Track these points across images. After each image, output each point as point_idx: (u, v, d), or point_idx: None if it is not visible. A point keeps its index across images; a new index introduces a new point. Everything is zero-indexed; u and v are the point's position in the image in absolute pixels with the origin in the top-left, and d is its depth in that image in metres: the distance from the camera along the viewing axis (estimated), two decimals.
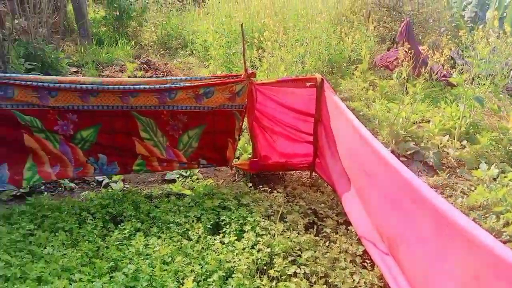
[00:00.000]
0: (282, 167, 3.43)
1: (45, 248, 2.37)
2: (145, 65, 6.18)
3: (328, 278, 2.29)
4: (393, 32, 7.47)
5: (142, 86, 2.74)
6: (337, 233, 2.68)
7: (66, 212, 2.72)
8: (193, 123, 3.01)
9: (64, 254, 2.31)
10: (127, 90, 2.71)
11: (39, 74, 4.87)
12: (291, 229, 2.65)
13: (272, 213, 2.81)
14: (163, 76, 6.16)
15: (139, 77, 5.72)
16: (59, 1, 6.39)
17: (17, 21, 5.05)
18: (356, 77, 5.65)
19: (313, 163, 3.40)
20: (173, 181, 3.47)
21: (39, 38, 5.07)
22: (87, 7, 7.50)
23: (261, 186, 3.20)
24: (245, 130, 3.73)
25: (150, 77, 5.97)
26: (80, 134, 2.81)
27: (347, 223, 2.78)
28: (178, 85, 2.79)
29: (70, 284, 2.06)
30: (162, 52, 7.68)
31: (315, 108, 3.07)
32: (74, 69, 5.85)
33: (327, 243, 2.57)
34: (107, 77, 5.85)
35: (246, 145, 3.63)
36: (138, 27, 8.40)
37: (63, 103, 2.66)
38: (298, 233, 2.61)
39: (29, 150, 2.78)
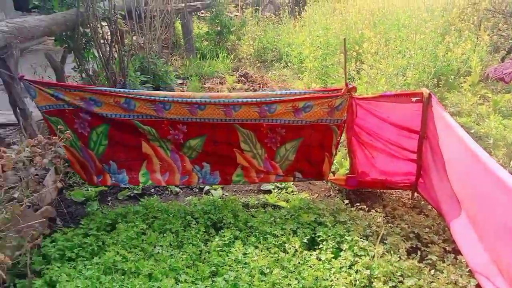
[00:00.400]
0: (381, 185, 3.28)
1: (154, 247, 2.59)
2: (243, 78, 6.45)
3: None
4: (510, 41, 6.72)
5: (244, 100, 2.86)
6: (444, 261, 2.47)
7: (172, 215, 2.95)
8: (290, 136, 3.05)
9: (171, 255, 2.49)
10: (230, 103, 2.85)
11: (152, 87, 5.40)
12: (391, 252, 2.51)
13: (371, 234, 2.70)
14: (260, 88, 6.36)
15: (238, 89, 5.99)
16: (168, 19, 7.02)
17: (134, 38, 5.66)
18: (465, 90, 5.18)
19: (416, 182, 3.19)
20: (268, 191, 3.54)
21: (152, 53, 5.62)
22: (192, 24, 8.11)
23: (358, 204, 3.10)
24: (342, 145, 3.66)
25: (248, 89, 6.21)
26: (189, 143, 3.05)
27: (456, 251, 2.54)
28: (278, 99, 2.86)
29: (177, 283, 2.22)
30: (258, 65, 7.94)
31: (421, 124, 2.88)
32: (180, 81, 6.34)
33: (432, 272, 2.38)
34: (208, 88, 6.24)
35: (343, 160, 3.56)
36: (236, 41, 8.82)
37: (175, 115, 2.91)
38: (400, 258, 2.46)
39: (145, 157, 3.10)
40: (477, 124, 4.54)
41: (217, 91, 6.14)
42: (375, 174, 3.23)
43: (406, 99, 2.80)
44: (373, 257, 2.44)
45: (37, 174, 2.73)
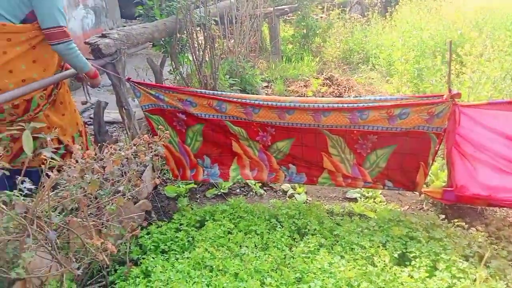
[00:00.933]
0: (484, 201, 2.97)
1: (240, 247, 2.65)
2: (328, 81, 6.34)
3: None
4: None
5: (334, 105, 2.80)
6: None
7: (258, 216, 3.00)
8: (383, 142, 2.91)
9: (257, 256, 2.53)
10: (320, 108, 2.81)
11: (239, 89, 5.57)
12: (496, 278, 2.26)
13: (471, 255, 2.46)
14: (345, 91, 6.20)
15: (322, 92, 5.91)
16: (257, 23, 7.18)
17: (225, 42, 5.90)
18: None
19: None
20: (354, 199, 3.43)
21: (240, 57, 5.79)
22: (279, 27, 8.20)
23: (455, 220, 2.85)
24: (438, 156, 3.39)
25: (333, 92, 6.09)
26: (276, 145, 3.08)
27: None
28: (371, 104, 2.74)
29: (262, 286, 2.24)
30: (343, 68, 7.76)
31: None
32: (265, 84, 6.45)
33: None
34: (292, 91, 6.25)
35: (439, 171, 3.30)
36: (322, 43, 8.71)
37: (263, 119, 2.96)
38: (507, 285, 2.20)
39: (235, 154, 3.23)
40: None
41: (302, 94, 6.12)
42: (478, 189, 2.92)
43: None
44: (475, 280, 2.21)
45: (137, 170, 2.97)
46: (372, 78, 7.08)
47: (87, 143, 3.17)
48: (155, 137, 2.55)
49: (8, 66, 2.47)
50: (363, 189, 3.45)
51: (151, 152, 2.48)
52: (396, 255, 2.50)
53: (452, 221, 2.85)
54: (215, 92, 3.09)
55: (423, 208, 3.20)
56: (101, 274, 2.65)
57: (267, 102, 2.92)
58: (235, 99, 2.97)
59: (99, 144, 2.72)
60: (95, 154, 1.99)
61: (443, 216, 2.91)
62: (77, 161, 1.88)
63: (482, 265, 2.29)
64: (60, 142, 2.90)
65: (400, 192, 3.50)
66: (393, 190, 3.19)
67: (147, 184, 3.43)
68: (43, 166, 1.79)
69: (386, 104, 2.73)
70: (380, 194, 3.39)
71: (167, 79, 4.91)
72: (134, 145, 2.17)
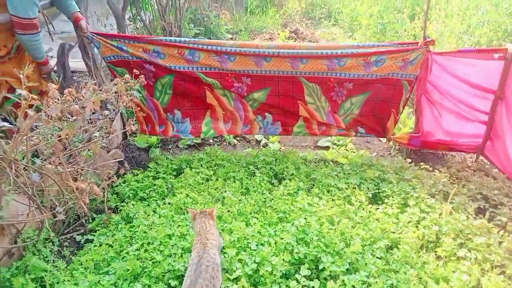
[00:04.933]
0: (445, 147, 3.20)
1: (221, 192, 2.69)
2: (293, 34, 6.29)
3: (505, 269, 2.10)
4: None
5: (313, 52, 2.80)
6: None
7: (235, 163, 3.02)
8: (358, 90, 2.98)
9: (239, 200, 2.58)
10: (300, 55, 2.80)
11: (208, 39, 5.38)
12: (459, 211, 2.49)
13: (437, 193, 2.67)
14: None
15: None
16: None
17: None
18: None
19: (483, 145, 3.09)
20: (326, 148, 3.54)
21: (205, 5, 5.56)
22: None
23: (421, 164, 3.05)
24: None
25: None
26: (252, 96, 3.05)
27: None
28: (351, 51, 2.77)
29: (247, 226, 2.31)
30: (306, 22, 7.70)
31: (499, 83, 2.74)
32: (230, 36, 6.28)
33: (501, 232, 2.34)
34: None
35: (406, 119, 3.47)
36: None
37: (240, 67, 2.89)
38: (468, 217, 2.43)
39: (209, 107, 3.14)
40: None
41: None
42: (441, 135, 3.14)
43: (487, 55, 2.65)
44: (441, 214, 2.42)
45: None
46: (335, 34, 7.11)
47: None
48: (130, 81, 2.43)
49: None
50: (334, 138, 3.56)
51: (127, 96, 2.37)
52: (370, 195, 2.66)
53: (417, 164, 3.05)
54: (186, 39, 2.94)
55: (390, 154, 3.39)
56: (78, 222, 2.59)
57: (244, 49, 2.84)
58: (209, 47, 2.84)
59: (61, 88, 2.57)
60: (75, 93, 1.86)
61: (409, 161, 3.10)
62: (57, 100, 1.76)
63: (449, 201, 2.50)
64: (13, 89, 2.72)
65: (369, 140, 3.66)
66: (364, 136, 3.32)
67: (118, 133, 3.31)
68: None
69: (365, 51, 2.78)
70: (350, 142, 3.53)
71: (130, 24, 4.62)
72: (115, 84, 2.06)
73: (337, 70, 2.85)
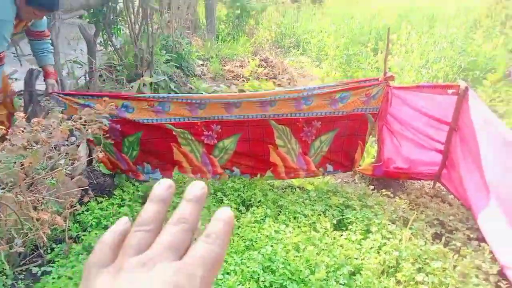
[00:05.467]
0: (405, 175, 3.36)
1: None
2: (263, 62, 6.48)
3: None
4: None
5: (282, 96, 2.91)
6: (467, 247, 2.55)
7: None
8: (326, 128, 3.10)
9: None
10: (268, 100, 2.90)
11: (175, 66, 5.44)
12: (418, 236, 2.60)
13: (397, 219, 2.78)
14: (279, 73, 6.40)
15: (258, 72, 6.03)
16: (191, 0, 7.02)
17: (162, 17, 5.68)
18: (486, 87, 5.21)
19: (439, 173, 3.27)
20: None
21: (177, 32, 5.65)
22: (216, 6, 8.10)
23: (382, 190, 3.18)
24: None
25: (268, 73, 6.24)
26: (223, 143, 3.10)
27: (480, 239, 2.63)
28: (316, 92, 2.90)
29: None
30: (276, 50, 7.95)
31: (452, 116, 2.94)
32: (201, 62, 6.38)
33: (456, 256, 2.46)
34: (228, 70, 6.28)
35: (370, 147, 3.62)
36: (255, 25, 8.81)
37: (210, 113, 2.95)
38: (426, 242, 2.55)
39: (176, 163, 3.18)
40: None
41: (238, 74, 6.18)
42: (400, 162, 3.29)
43: (442, 90, 2.85)
44: (401, 240, 2.52)
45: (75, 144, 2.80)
46: (303, 62, 7.38)
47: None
48: (99, 109, 2.44)
49: None
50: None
51: (95, 124, 2.37)
52: (335, 221, 2.74)
53: (379, 191, 3.18)
54: (155, 95, 2.99)
55: (354, 180, 3.51)
56: (35, 253, 2.50)
57: (214, 100, 2.91)
58: (179, 100, 2.90)
59: (27, 116, 2.53)
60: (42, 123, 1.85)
61: (372, 187, 3.22)
62: (23, 130, 1.74)
63: (408, 227, 2.61)
64: None
65: None
66: (332, 173, 3.40)
67: (83, 160, 3.26)
68: None
69: (329, 90, 2.92)
70: None
71: (101, 49, 4.62)
72: (83, 115, 2.06)
73: (304, 110, 2.96)
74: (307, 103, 2.91)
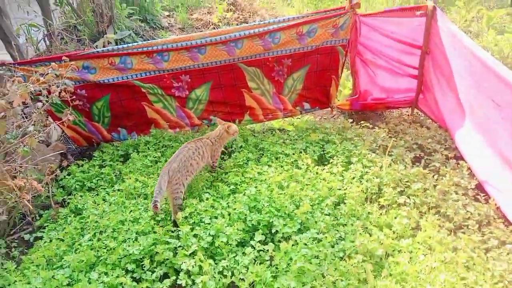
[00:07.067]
0: (382, 106, 3.37)
1: None
2: (232, 6, 6.20)
3: (440, 209, 2.30)
4: None
5: (245, 32, 2.78)
6: (446, 167, 2.63)
7: (183, 142, 3.01)
8: (297, 65, 3.03)
9: None
10: (231, 39, 2.77)
11: (139, 19, 5.16)
12: (398, 162, 2.66)
13: (377, 147, 2.83)
14: (250, 17, 6.16)
15: (228, 18, 5.79)
16: None
17: None
18: (459, 7, 5.12)
19: (416, 99, 3.29)
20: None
21: None
22: None
23: (362, 122, 3.20)
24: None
25: (238, 17, 6.00)
26: (195, 93, 3.01)
27: (458, 157, 2.71)
28: (281, 25, 2.79)
29: (200, 201, 2.34)
30: None
31: (423, 39, 2.90)
32: (167, 13, 6.07)
33: (436, 176, 2.54)
34: (196, 19, 6.01)
35: (345, 81, 3.60)
36: None
37: (176, 65, 2.82)
38: (405, 166, 2.61)
39: (152, 121, 3.09)
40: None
41: (207, 22, 5.92)
42: (377, 92, 3.29)
43: (410, 13, 2.78)
44: (381, 167, 2.58)
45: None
46: (274, 2, 7.08)
47: None
48: (60, 69, 2.32)
49: None
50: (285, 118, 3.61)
51: (59, 86, 2.27)
52: (316, 157, 2.77)
53: (359, 123, 3.20)
54: (115, 47, 2.80)
55: (334, 115, 3.51)
56: (24, 221, 2.50)
57: (176, 44, 2.76)
58: (140, 49, 2.74)
59: None
60: None
61: (351, 120, 3.24)
62: None
63: (388, 154, 2.67)
64: None
65: None
66: (310, 111, 3.38)
67: (55, 126, 3.16)
68: None
69: (294, 22, 2.81)
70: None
71: (56, 9, 4.34)
72: (42, 75, 1.95)
73: (273, 48, 2.87)
74: (274, 41, 2.82)
